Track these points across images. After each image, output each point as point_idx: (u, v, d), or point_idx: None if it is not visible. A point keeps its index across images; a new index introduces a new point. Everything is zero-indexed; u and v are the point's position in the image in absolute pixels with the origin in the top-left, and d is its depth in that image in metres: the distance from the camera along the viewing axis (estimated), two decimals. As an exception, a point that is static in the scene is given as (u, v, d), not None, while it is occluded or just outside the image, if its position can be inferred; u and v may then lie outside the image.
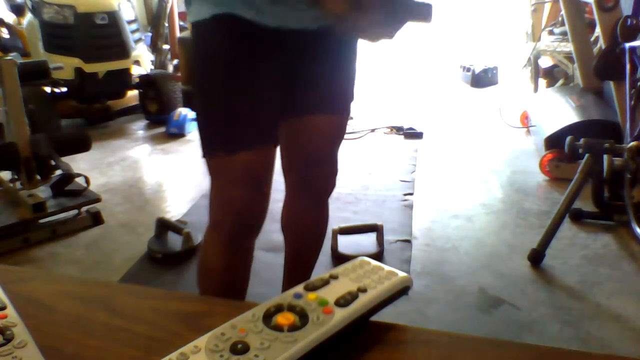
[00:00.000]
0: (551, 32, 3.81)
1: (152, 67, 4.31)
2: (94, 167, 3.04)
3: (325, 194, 1.39)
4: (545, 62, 3.85)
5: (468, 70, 4.93)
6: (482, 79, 4.85)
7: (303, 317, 0.38)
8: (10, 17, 4.06)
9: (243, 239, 1.21)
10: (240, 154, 1.07)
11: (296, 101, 1.19)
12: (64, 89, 3.59)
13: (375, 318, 0.42)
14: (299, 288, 0.41)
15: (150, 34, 4.47)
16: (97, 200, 2.43)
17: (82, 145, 2.54)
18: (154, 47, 4.45)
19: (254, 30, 1.04)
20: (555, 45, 3.63)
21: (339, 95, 1.24)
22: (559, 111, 2.95)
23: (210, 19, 1.04)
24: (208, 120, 1.11)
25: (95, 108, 3.80)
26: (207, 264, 1.25)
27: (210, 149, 1.11)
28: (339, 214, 2.46)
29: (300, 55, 1.13)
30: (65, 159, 2.39)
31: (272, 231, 2.24)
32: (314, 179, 1.33)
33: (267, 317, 0.38)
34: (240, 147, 1.07)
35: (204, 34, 1.08)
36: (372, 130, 3.69)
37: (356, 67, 1.26)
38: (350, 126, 3.78)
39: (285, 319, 0.38)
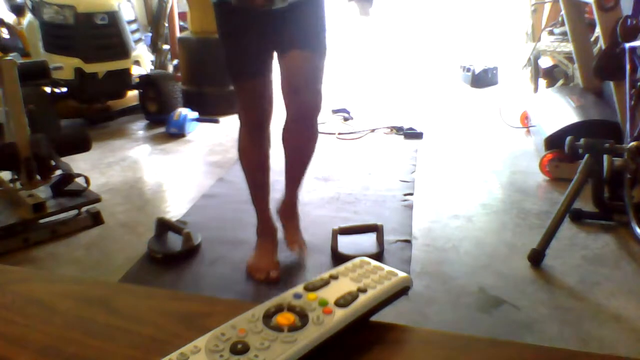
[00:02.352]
0: (551, 32, 3.81)
1: (152, 67, 4.31)
2: (94, 167, 3.04)
3: (307, 117, 1.83)
4: (545, 62, 3.85)
5: (468, 70, 4.93)
6: (482, 79, 4.85)
7: (303, 317, 0.38)
8: (10, 17, 4.06)
9: (260, 125, 1.87)
10: (249, 81, 1.79)
11: (282, 43, 1.74)
12: (64, 89, 3.60)
13: (375, 318, 0.42)
14: (299, 288, 0.41)
15: (150, 34, 4.47)
16: (97, 200, 2.43)
17: (82, 145, 2.54)
18: (154, 47, 4.45)
19: (237, 9, 1.67)
20: (555, 46, 3.63)
21: (310, 35, 1.73)
22: (559, 111, 2.95)
23: (216, 3, 1.73)
24: (227, 63, 1.80)
25: (95, 108, 3.80)
26: (240, 147, 1.92)
27: (232, 79, 1.83)
28: (339, 214, 2.46)
29: (278, 18, 1.68)
30: (65, 159, 2.39)
31: (272, 231, 2.25)
32: (296, 104, 1.78)
33: (267, 317, 0.38)
34: (248, 78, 1.78)
35: (215, 12, 1.75)
36: (372, 131, 3.69)
37: (324, 19, 1.75)
38: (350, 126, 3.79)
39: (285, 319, 0.37)
